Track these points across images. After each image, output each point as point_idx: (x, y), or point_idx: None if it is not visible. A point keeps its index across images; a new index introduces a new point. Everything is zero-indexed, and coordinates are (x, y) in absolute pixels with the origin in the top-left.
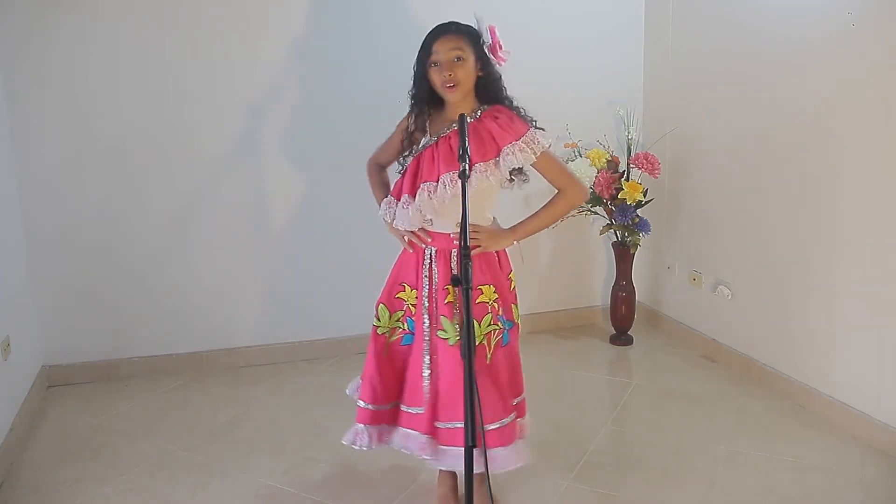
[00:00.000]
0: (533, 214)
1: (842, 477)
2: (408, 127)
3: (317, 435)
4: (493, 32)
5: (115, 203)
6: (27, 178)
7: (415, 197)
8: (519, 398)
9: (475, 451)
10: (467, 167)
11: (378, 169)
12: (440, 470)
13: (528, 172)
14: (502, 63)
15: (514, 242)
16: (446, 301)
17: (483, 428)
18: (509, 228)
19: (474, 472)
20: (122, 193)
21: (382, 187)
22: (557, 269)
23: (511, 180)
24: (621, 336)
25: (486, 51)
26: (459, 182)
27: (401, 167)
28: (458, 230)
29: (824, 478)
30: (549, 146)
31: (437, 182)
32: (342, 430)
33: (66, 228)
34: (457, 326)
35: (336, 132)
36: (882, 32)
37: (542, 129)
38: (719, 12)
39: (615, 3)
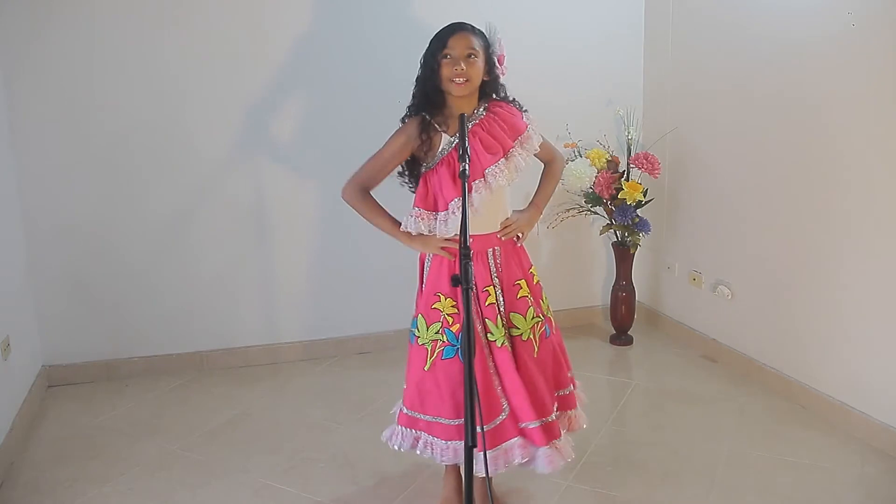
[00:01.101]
0: (540, 187)
1: (842, 477)
2: (420, 134)
3: (317, 435)
4: (501, 45)
5: (114, 203)
6: (27, 178)
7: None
8: (565, 390)
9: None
10: (467, 167)
11: (364, 194)
12: (446, 469)
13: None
14: (501, 75)
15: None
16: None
17: (527, 426)
18: (528, 207)
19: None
20: (122, 193)
21: (381, 209)
22: (557, 269)
23: None
24: (621, 336)
25: (494, 58)
26: (498, 174)
27: (410, 183)
28: (494, 228)
29: (824, 478)
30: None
31: (483, 177)
32: (342, 430)
33: (65, 228)
34: (502, 328)
35: (336, 132)
36: (882, 32)
37: (533, 119)
38: (719, 12)
39: (615, 3)
